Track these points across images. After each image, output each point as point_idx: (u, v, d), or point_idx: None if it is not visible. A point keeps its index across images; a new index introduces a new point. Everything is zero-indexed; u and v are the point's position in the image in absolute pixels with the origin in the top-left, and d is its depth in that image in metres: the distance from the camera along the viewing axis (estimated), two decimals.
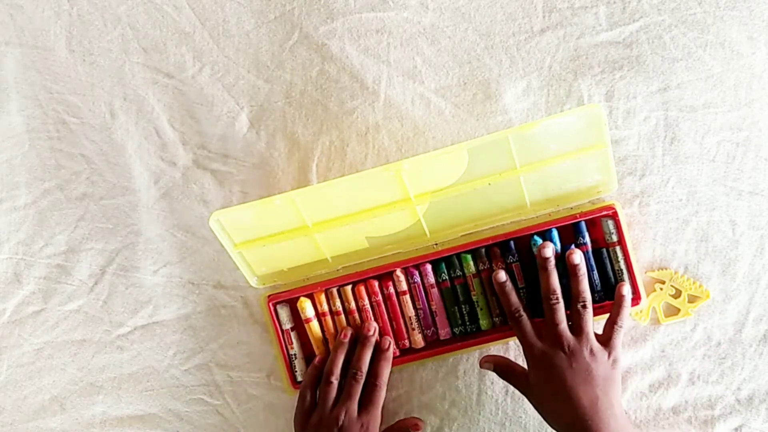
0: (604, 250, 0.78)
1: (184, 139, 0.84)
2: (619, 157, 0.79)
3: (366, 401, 0.76)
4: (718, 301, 0.79)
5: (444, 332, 0.80)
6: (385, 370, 0.78)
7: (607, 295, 0.78)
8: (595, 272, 0.77)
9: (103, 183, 0.85)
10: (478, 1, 0.81)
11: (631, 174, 0.79)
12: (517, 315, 0.75)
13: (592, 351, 0.71)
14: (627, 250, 0.77)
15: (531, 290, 0.78)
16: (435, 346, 0.80)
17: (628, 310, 0.75)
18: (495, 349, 0.81)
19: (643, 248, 0.79)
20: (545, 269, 0.75)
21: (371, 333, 0.79)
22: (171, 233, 0.84)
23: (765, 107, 0.78)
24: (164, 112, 0.84)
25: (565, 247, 0.77)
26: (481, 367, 0.77)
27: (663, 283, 0.79)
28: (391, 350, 0.79)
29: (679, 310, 0.79)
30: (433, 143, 0.81)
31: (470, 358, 0.81)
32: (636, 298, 0.77)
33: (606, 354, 0.72)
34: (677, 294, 0.79)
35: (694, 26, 0.78)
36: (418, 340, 0.80)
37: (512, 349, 0.81)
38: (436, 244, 0.80)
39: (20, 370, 0.86)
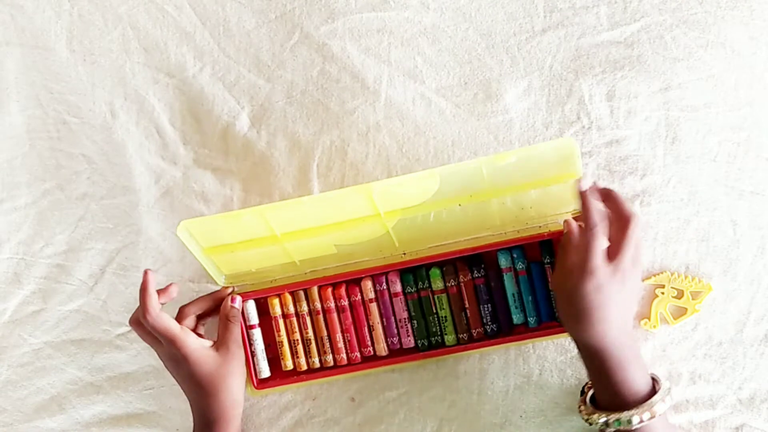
0: None
1: (184, 139, 0.84)
2: (620, 157, 0.79)
3: None
4: (719, 300, 0.79)
5: (407, 342, 0.80)
6: None
7: None
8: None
9: (103, 182, 0.85)
10: (479, 0, 0.81)
11: (632, 173, 0.79)
12: (595, 230, 0.69)
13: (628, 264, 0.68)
14: None
15: (496, 305, 0.78)
16: (398, 354, 0.80)
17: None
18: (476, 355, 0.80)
19: (644, 248, 0.79)
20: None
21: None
22: (171, 232, 0.83)
23: (766, 107, 0.78)
24: (165, 111, 0.84)
25: (534, 264, 0.78)
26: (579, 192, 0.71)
27: (663, 287, 0.79)
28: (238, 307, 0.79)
29: (686, 309, 0.79)
30: (433, 143, 0.81)
31: (470, 358, 0.81)
32: None
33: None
34: (680, 294, 0.78)
35: (695, 26, 0.78)
36: (382, 349, 0.80)
37: (512, 352, 0.81)
38: (405, 253, 0.80)
39: (20, 370, 0.86)
